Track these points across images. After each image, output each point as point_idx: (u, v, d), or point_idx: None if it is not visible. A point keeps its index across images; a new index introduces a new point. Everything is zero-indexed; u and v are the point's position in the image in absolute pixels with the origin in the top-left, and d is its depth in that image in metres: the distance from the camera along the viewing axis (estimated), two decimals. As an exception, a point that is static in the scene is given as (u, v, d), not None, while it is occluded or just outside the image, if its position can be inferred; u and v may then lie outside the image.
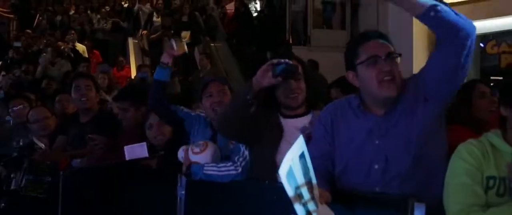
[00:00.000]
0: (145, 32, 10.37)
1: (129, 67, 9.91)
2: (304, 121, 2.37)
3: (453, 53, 1.78)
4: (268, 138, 2.36)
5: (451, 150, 1.77)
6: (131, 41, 10.90)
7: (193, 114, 2.93)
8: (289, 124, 2.37)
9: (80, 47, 9.93)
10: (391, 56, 1.92)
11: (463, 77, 1.88)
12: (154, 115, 3.06)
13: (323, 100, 2.61)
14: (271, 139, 2.35)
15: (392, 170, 1.91)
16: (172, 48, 2.92)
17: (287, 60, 2.23)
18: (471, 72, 7.96)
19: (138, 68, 8.43)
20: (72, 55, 9.32)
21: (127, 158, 2.91)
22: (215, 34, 10.76)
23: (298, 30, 10.97)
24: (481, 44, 8.08)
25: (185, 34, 9.60)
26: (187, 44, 8.68)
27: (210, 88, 2.75)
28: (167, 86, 2.93)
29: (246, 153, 2.50)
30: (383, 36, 1.96)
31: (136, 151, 2.92)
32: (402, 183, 1.90)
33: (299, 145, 1.31)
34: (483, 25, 7.62)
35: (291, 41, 10.78)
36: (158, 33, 9.67)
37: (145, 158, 2.93)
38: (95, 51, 10.25)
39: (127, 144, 2.98)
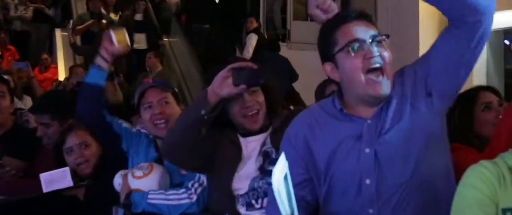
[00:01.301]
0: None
1: (56, 68, 9.81)
2: (263, 137, 2.39)
3: (463, 33, 1.83)
4: (224, 162, 2.37)
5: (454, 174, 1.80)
6: (59, 34, 10.79)
7: (133, 130, 2.91)
8: (249, 144, 2.39)
9: None
10: (377, 39, 1.94)
11: (469, 70, 1.91)
12: (72, 136, 2.99)
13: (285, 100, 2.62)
14: (227, 163, 2.36)
15: (388, 186, 1.92)
16: (110, 42, 2.87)
17: (250, 63, 2.25)
18: (493, 74, 8.17)
19: (70, 70, 8.34)
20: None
21: (44, 190, 2.87)
22: (169, 27, 10.81)
23: (274, 23, 11.04)
24: (506, 42, 8.25)
25: (139, 38, 9.50)
26: (144, 51, 8.76)
27: (148, 96, 2.73)
28: (103, 93, 2.89)
29: (203, 178, 2.50)
30: (364, 15, 1.98)
31: (56, 179, 2.87)
32: (400, 205, 1.92)
33: (282, 165, 1.33)
34: (506, 17, 7.78)
35: (266, 37, 10.84)
36: (86, 24, 9.51)
37: (69, 188, 2.89)
38: (9, 46, 10.12)
39: (47, 169, 2.94)
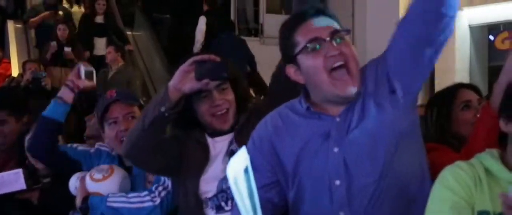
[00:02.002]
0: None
1: (9, 63, 9.68)
2: (230, 136, 2.40)
3: (420, 20, 1.85)
4: (191, 164, 2.39)
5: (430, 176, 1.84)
6: (11, 26, 10.55)
7: (91, 150, 2.87)
8: (216, 144, 2.41)
9: None
10: (337, 35, 1.97)
11: (431, 62, 1.93)
12: None
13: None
14: (193, 166, 2.38)
15: (358, 187, 1.96)
16: (77, 75, 2.81)
17: (213, 56, 2.26)
18: (476, 72, 8.25)
19: (23, 65, 8.22)
20: None
21: None
22: (133, 19, 10.81)
23: (247, 16, 11.03)
24: (490, 37, 8.36)
25: (100, 44, 9.19)
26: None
27: (113, 112, 2.70)
28: (60, 131, 2.83)
29: (168, 182, 2.52)
30: (322, 11, 2.02)
31: (8, 181, 2.86)
32: (372, 208, 1.95)
33: (242, 157, 1.35)
34: (491, 12, 7.88)
35: (237, 32, 10.84)
36: (40, 15, 9.38)
37: (22, 191, 2.89)
38: None
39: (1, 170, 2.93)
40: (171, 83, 2.24)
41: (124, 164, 2.72)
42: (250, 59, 8.74)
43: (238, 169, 1.32)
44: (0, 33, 10.80)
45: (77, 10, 10.17)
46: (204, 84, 2.24)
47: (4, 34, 10.60)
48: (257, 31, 10.79)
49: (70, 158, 2.83)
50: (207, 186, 2.34)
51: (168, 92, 2.24)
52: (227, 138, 2.39)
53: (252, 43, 10.31)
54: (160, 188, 2.52)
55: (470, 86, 2.76)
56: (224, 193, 2.31)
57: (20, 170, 2.90)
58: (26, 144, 2.88)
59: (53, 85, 7.15)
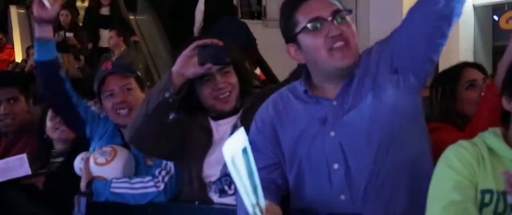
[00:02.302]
0: None
1: (12, 48, 9.71)
2: (234, 119, 2.42)
3: (434, 9, 1.84)
4: (194, 148, 2.40)
5: (434, 156, 1.83)
6: (14, 11, 10.62)
7: (101, 115, 2.87)
8: (220, 128, 2.42)
9: None
10: (339, 15, 1.97)
11: (436, 47, 1.93)
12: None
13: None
14: (197, 150, 2.39)
15: (356, 170, 1.97)
16: (41, 6, 2.62)
17: (216, 40, 2.27)
18: (481, 52, 8.22)
19: (27, 51, 8.34)
20: None
21: (0, 179, 2.86)
22: (136, 3, 10.74)
23: (249, -1, 10.96)
24: (494, 17, 8.32)
25: (105, 36, 9.02)
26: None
27: (109, 84, 2.71)
28: (59, 66, 2.77)
29: (170, 165, 2.52)
30: None
31: (13, 166, 2.87)
32: (373, 190, 1.96)
33: (240, 137, 1.35)
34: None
35: (240, 15, 10.79)
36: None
37: (27, 176, 2.89)
38: None
39: (10, 155, 2.96)
40: (174, 68, 2.25)
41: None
42: (252, 43, 8.72)
43: (235, 149, 1.32)
44: (3, 19, 10.82)
45: (80, 5, 10.12)
46: (207, 68, 2.25)
47: (7, 20, 10.63)
48: (260, 14, 10.71)
49: (78, 113, 2.82)
50: (211, 170, 2.35)
51: (171, 77, 2.25)
52: (231, 120, 2.40)
53: (255, 26, 10.26)
54: (163, 173, 2.53)
55: (475, 65, 2.75)
56: (228, 177, 2.32)
57: (24, 155, 2.91)
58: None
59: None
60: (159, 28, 10.38)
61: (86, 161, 2.61)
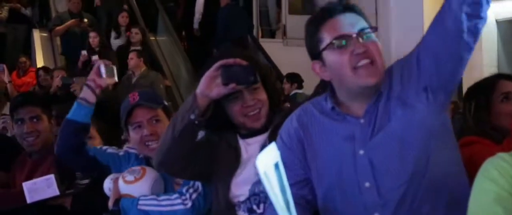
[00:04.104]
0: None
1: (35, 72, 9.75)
2: (264, 138, 2.36)
3: (455, 24, 1.83)
4: (222, 168, 2.36)
5: (471, 171, 1.78)
6: (37, 35, 10.68)
7: (120, 153, 2.83)
8: (249, 147, 2.37)
9: None
10: (364, 33, 1.95)
11: (468, 50, 1.89)
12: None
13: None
14: (225, 170, 2.35)
15: (389, 189, 1.93)
16: (98, 74, 2.76)
17: (239, 60, 2.23)
18: (504, 66, 8.13)
19: (51, 73, 8.17)
20: None
21: (28, 200, 2.83)
22: (156, 23, 10.81)
23: (269, 18, 10.95)
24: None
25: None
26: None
27: (136, 116, 2.66)
28: (87, 132, 2.79)
29: (198, 183, 2.49)
30: (350, 8, 2.00)
31: (41, 188, 2.84)
32: (411, 207, 1.92)
33: (272, 152, 1.32)
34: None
35: (260, 34, 10.78)
36: (66, 24, 9.38)
37: (55, 197, 2.87)
38: None
39: (35, 176, 2.92)
40: (198, 90, 2.22)
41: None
42: (250, 28, 9.65)
43: (268, 164, 1.29)
44: (27, 42, 10.94)
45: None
46: (231, 89, 2.21)
47: (30, 43, 10.70)
48: (278, 32, 10.74)
49: (99, 162, 2.80)
50: (239, 190, 2.31)
51: (196, 99, 2.21)
52: (260, 139, 2.35)
53: (275, 45, 10.26)
54: (190, 191, 2.49)
55: (509, 77, 2.67)
56: (257, 196, 2.28)
57: (51, 176, 2.88)
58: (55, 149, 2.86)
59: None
60: (180, 48, 10.44)
61: (115, 180, 2.59)
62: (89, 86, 2.76)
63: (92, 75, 2.78)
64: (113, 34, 9.59)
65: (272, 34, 11.13)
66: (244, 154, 2.36)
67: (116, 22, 9.60)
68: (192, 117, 2.20)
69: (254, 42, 9.78)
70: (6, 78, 7.51)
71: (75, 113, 2.75)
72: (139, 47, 8.64)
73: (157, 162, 2.36)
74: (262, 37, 10.79)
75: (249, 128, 2.34)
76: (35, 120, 3.22)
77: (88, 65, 8.37)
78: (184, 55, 10.26)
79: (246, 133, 2.38)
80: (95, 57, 8.34)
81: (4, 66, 7.77)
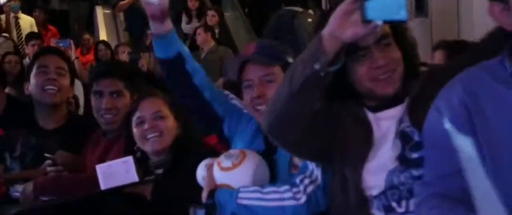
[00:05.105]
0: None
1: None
2: (399, 111, 1.84)
3: None
4: (349, 149, 1.84)
5: None
6: (100, 12, 10.61)
7: (245, 110, 2.37)
8: (381, 123, 1.85)
9: (27, 19, 9.59)
10: None
11: None
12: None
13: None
14: (353, 151, 1.83)
15: None
16: (149, 3, 2.30)
17: None
18: None
19: (116, 49, 8.14)
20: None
21: (102, 186, 2.41)
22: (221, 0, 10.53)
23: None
24: None
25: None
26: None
27: (247, 73, 2.20)
28: (183, 60, 2.34)
29: (317, 172, 1.97)
30: None
31: (117, 172, 2.40)
32: None
33: None
34: None
35: (327, 6, 10.33)
36: None
37: (133, 184, 2.42)
38: (50, 26, 9.94)
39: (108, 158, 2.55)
40: (326, 30, 1.64)
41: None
42: None
43: None
44: (89, 19, 11.02)
45: None
46: (373, 28, 1.60)
47: (93, 21, 10.75)
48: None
49: (214, 110, 2.36)
50: (372, 180, 1.78)
51: (322, 42, 1.64)
52: (395, 113, 1.82)
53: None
54: (306, 181, 1.98)
55: None
56: (396, 189, 1.75)
57: (130, 158, 2.42)
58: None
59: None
60: (246, 24, 10.07)
61: (210, 167, 2.12)
62: (151, 20, 2.29)
63: (146, 9, 2.28)
64: (184, 18, 9.22)
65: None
66: (376, 132, 1.83)
67: (185, 6, 9.20)
68: (317, 66, 1.65)
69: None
70: (73, 54, 7.23)
71: (157, 50, 2.35)
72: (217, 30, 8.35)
73: (266, 127, 1.85)
74: (331, 9, 10.28)
75: (379, 95, 1.80)
76: (115, 96, 2.85)
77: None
78: (250, 30, 9.83)
79: (376, 104, 1.84)
80: None
81: (71, 41, 7.53)
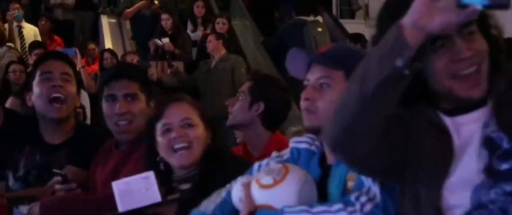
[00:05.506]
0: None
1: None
2: (484, 114, 1.54)
3: None
4: (424, 160, 1.55)
5: None
6: (105, 21, 10.47)
7: (285, 156, 2.06)
8: (461, 129, 1.55)
9: (30, 28, 9.43)
10: None
11: None
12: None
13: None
14: (429, 161, 1.54)
15: None
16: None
17: None
18: None
19: (123, 58, 7.98)
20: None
21: (121, 208, 2.13)
22: (228, 5, 10.39)
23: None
24: None
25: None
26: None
27: (309, 72, 1.92)
28: None
29: (375, 189, 1.68)
30: None
31: (137, 190, 2.11)
32: None
33: None
34: None
35: (338, 14, 10.26)
36: (136, 6, 9.05)
37: (155, 205, 2.13)
38: (55, 36, 9.81)
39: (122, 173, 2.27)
40: (408, 19, 1.36)
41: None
42: None
43: None
44: (94, 29, 10.92)
45: None
46: (470, 14, 1.33)
47: (99, 30, 10.65)
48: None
49: None
50: (454, 198, 1.50)
51: (403, 34, 1.36)
52: (477, 116, 1.52)
53: (357, 27, 9.58)
54: (363, 199, 1.68)
55: None
56: (484, 209, 1.46)
57: (151, 173, 2.13)
58: None
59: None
60: (255, 32, 9.92)
61: (247, 185, 1.83)
62: None
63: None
64: (189, 26, 8.99)
65: (352, 15, 10.48)
66: (456, 139, 1.53)
67: (191, 13, 8.98)
68: (399, 62, 1.37)
69: (335, 22, 9.08)
70: (79, 63, 7.07)
71: None
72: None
73: (331, 139, 1.56)
74: (341, 18, 10.18)
75: (461, 97, 1.50)
76: (130, 99, 2.57)
77: (158, 49, 8.03)
78: (259, 38, 9.67)
79: (453, 107, 1.55)
80: (165, 40, 7.92)
81: (76, 50, 7.45)
